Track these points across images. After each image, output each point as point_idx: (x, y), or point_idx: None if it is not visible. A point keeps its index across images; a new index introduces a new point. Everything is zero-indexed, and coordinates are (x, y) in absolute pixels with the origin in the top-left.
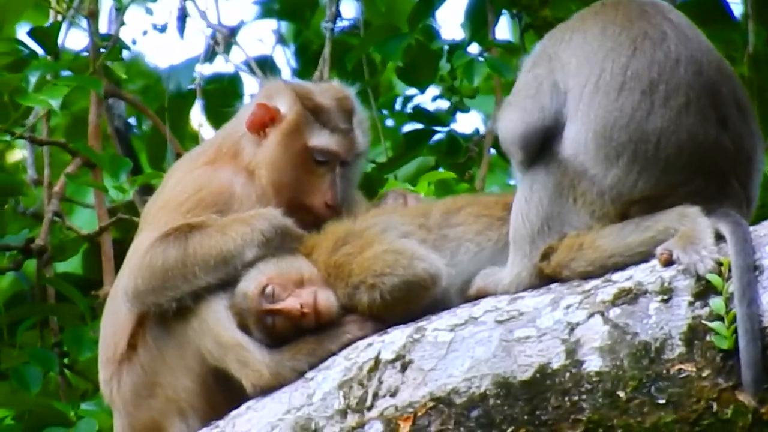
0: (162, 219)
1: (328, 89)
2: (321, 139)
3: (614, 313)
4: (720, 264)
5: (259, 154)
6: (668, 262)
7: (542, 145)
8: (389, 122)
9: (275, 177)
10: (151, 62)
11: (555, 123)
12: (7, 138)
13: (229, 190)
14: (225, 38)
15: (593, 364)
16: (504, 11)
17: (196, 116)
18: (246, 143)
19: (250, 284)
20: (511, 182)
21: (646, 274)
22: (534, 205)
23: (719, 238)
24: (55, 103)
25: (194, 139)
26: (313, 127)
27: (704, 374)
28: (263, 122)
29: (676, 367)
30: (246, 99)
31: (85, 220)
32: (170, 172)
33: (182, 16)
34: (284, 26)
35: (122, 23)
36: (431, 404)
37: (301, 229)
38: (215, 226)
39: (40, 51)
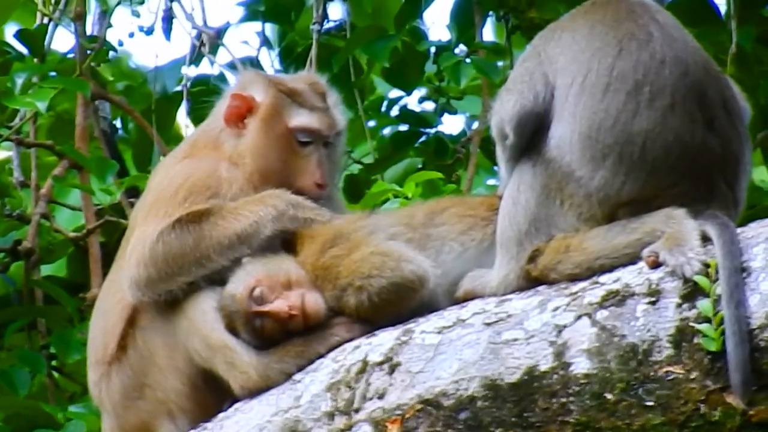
0: (159, 211)
1: (298, 77)
2: (301, 119)
3: (602, 315)
4: (707, 266)
5: (241, 145)
6: (655, 265)
7: (530, 141)
8: (374, 124)
9: (261, 164)
10: (134, 63)
11: (545, 113)
12: None
13: (216, 174)
14: (211, 40)
15: (581, 366)
16: (491, 13)
17: (183, 118)
18: (225, 137)
19: (238, 286)
20: (491, 181)
21: (633, 276)
22: (521, 207)
23: (706, 240)
24: (41, 106)
25: (179, 140)
26: (291, 108)
27: (692, 376)
28: (240, 113)
29: (664, 369)
30: None
31: (65, 220)
32: (153, 174)
33: (168, 18)
34: (269, 28)
35: (109, 25)
36: (419, 406)
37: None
38: (227, 209)
39: (26, 53)
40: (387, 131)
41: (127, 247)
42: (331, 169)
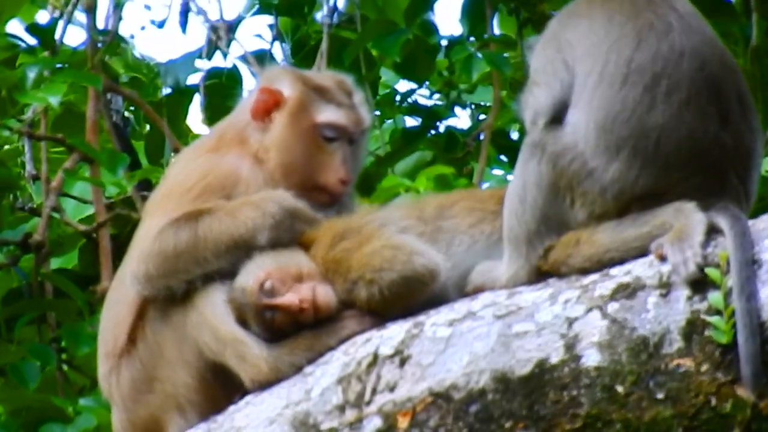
0: (169, 205)
1: (324, 74)
2: (328, 115)
3: (613, 307)
4: (702, 268)
5: (267, 139)
6: (663, 258)
7: (536, 137)
8: (378, 114)
9: (286, 159)
10: (139, 54)
11: (568, 98)
12: (6, 133)
13: (235, 173)
14: (224, 33)
15: (592, 359)
16: (501, 6)
17: (195, 112)
18: (251, 131)
19: (248, 279)
20: (496, 171)
21: (644, 269)
22: (528, 206)
23: (717, 232)
24: (54, 101)
25: (190, 134)
26: (319, 104)
27: (703, 369)
28: (267, 107)
29: (675, 362)
30: (245, 94)
31: (70, 210)
32: (173, 163)
33: (185, 11)
34: (281, 21)
35: (120, 18)
36: (430, 399)
37: (313, 211)
38: (225, 210)
39: (35, 45)
40: (394, 123)
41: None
42: (354, 167)
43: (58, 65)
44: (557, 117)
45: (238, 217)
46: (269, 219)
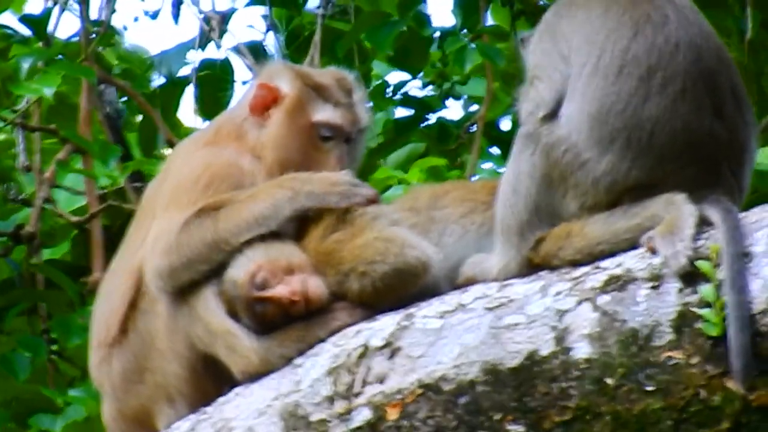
0: (181, 200)
1: (325, 71)
2: (325, 114)
3: (603, 300)
4: (692, 261)
5: (264, 136)
6: (654, 250)
7: (531, 129)
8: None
9: (282, 156)
10: (131, 45)
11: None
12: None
13: (237, 164)
14: (217, 24)
15: (582, 351)
16: None
17: (188, 103)
18: (249, 127)
19: (239, 272)
20: (486, 165)
21: (635, 261)
22: (521, 196)
23: (708, 224)
24: (48, 92)
25: (182, 126)
26: (316, 102)
27: (693, 361)
28: (265, 103)
29: (665, 355)
30: (238, 85)
31: (62, 201)
32: (171, 158)
33: (177, 2)
34: (275, 12)
35: (113, 9)
36: (420, 391)
37: None
38: (245, 194)
39: (29, 36)
40: (386, 114)
41: (136, 232)
42: (350, 166)
43: (52, 56)
44: (555, 109)
45: (259, 196)
46: (287, 191)
